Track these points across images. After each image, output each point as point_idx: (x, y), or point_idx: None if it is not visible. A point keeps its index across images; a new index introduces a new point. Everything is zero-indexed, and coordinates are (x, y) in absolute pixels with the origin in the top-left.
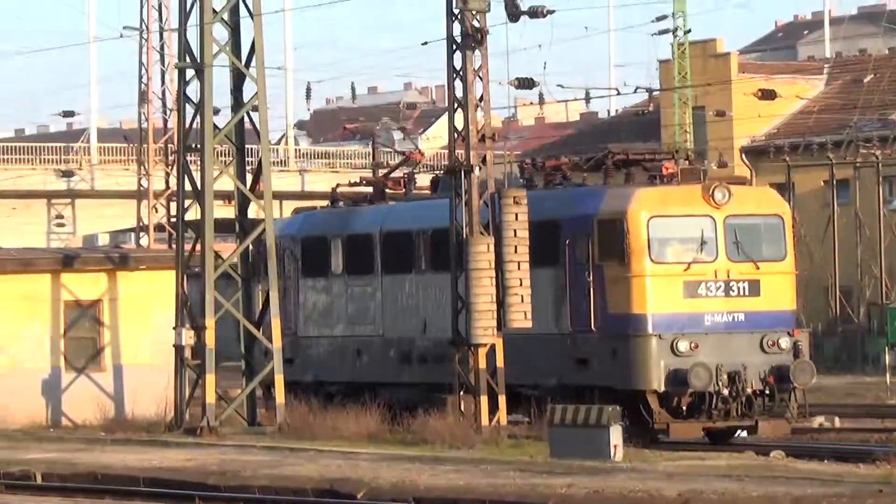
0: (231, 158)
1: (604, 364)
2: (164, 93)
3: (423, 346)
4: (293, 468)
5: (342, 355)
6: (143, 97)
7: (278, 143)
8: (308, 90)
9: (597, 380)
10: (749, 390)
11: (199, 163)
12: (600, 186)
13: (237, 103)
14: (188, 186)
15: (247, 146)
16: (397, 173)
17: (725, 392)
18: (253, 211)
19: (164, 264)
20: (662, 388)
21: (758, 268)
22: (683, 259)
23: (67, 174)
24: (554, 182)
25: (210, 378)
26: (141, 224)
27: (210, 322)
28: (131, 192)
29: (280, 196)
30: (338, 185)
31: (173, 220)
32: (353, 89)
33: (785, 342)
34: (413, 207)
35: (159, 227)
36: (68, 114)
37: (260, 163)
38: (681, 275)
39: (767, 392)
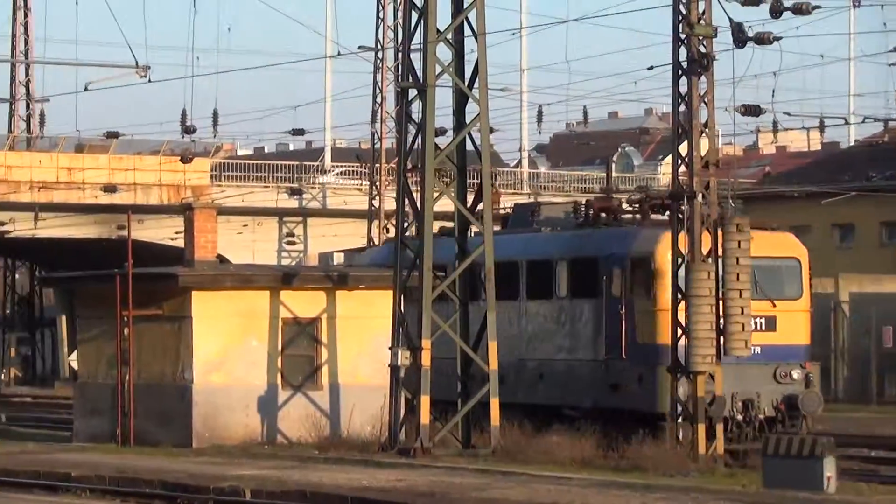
0: (452, 179)
1: (631, 389)
2: (397, 113)
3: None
4: (502, 491)
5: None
6: (376, 116)
7: (516, 166)
8: (539, 113)
9: (626, 403)
10: (762, 416)
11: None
12: (634, 227)
13: (459, 124)
14: (408, 206)
15: (472, 167)
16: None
17: (739, 417)
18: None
19: (382, 284)
20: None
21: (774, 305)
22: None
23: (297, 192)
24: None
25: (425, 399)
26: (371, 244)
27: (426, 343)
28: (362, 211)
29: None
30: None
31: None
32: (584, 113)
33: (797, 374)
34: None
35: None
36: (298, 132)
37: (481, 184)
38: None
39: (780, 419)
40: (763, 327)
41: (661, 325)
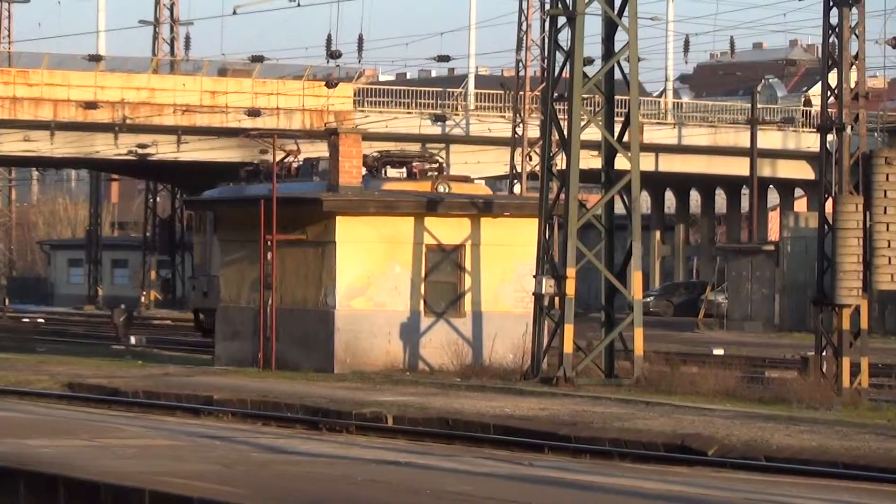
0: (600, 108)
1: None
2: (542, 41)
3: None
4: (645, 422)
5: None
6: (521, 44)
7: (659, 96)
8: (686, 43)
9: None
10: None
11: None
12: None
13: (608, 53)
14: (556, 135)
15: (618, 97)
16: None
17: None
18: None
19: (527, 212)
20: None
21: None
22: None
23: (441, 119)
24: None
25: (568, 328)
26: (514, 172)
27: (570, 271)
28: (505, 139)
29: (655, 149)
30: None
31: None
32: (731, 44)
33: None
34: None
35: (532, 176)
36: (443, 59)
37: (628, 113)
38: None
39: None
40: None
41: None
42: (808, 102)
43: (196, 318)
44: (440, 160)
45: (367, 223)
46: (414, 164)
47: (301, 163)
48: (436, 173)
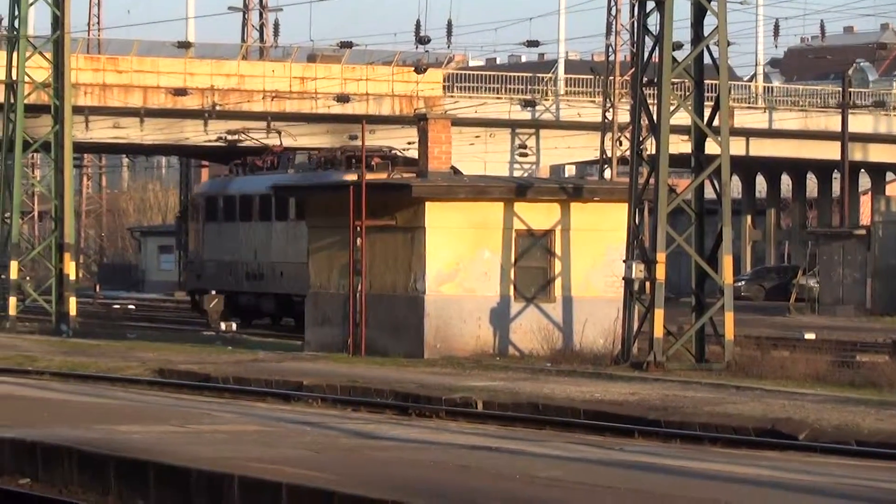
0: (689, 92)
1: None
2: (632, 25)
3: None
4: (735, 406)
5: None
6: (610, 29)
7: (749, 80)
8: (776, 27)
9: None
10: None
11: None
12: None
13: (697, 37)
14: (645, 120)
15: (708, 81)
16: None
17: None
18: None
19: (617, 197)
20: None
21: None
22: None
23: (530, 104)
24: None
25: (658, 313)
26: (604, 156)
27: (661, 256)
28: (596, 124)
29: (746, 133)
30: None
31: None
32: (821, 28)
33: None
34: None
35: (622, 161)
36: (532, 44)
37: (718, 97)
38: None
39: None
40: None
41: None
42: None
43: (192, 298)
44: (398, 154)
45: (456, 209)
46: (375, 158)
47: (279, 156)
48: (389, 163)
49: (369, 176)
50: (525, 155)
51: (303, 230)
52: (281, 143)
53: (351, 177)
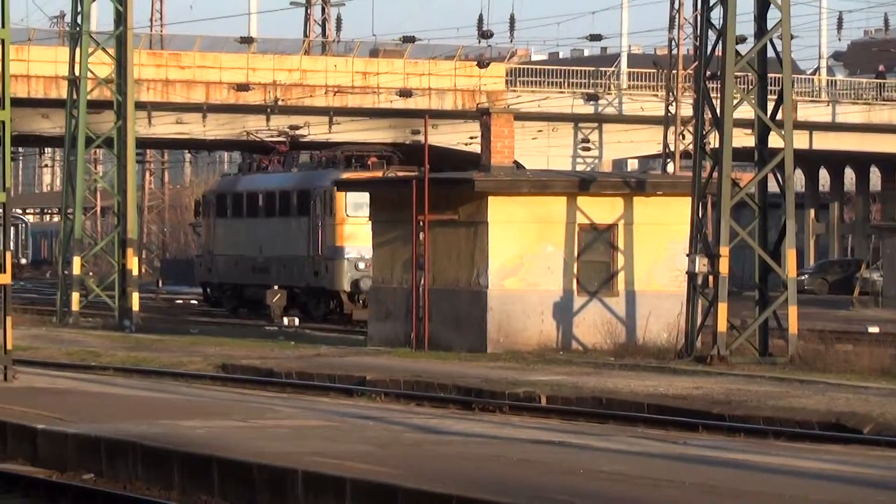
0: (752, 86)
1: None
2: (695, 19)
3: None
4: (799, 400)
5: None
6: (673, 23)
7: (812, 73)
8: (840, 21)
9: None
10: None
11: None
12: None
13: (760, 31)
14: (708, 114)
15: (771, 75)
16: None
17: None
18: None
19: (680, 190)
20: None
21: None
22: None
23: (593, 98)
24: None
25: (722, 306)
26: (667, 150)
27: (724, 250)
28: (658, 118)
29: (809, 127)
30: None
31: None
32: (885, 21)
33: None
34: None
35: (685, 154)
36: (595, 38)
37: (781, 91)
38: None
39: None
40: None
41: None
42: None
43: (204, 290)
44: (393, 154)
45: (519, 203)
46: (371, 157)
47: (284, 155)
48: (384, 162)
49: (366, 174)
50: (588, 149)
51: (303, 225)
52: (286, 144)
53: (350, 175)
